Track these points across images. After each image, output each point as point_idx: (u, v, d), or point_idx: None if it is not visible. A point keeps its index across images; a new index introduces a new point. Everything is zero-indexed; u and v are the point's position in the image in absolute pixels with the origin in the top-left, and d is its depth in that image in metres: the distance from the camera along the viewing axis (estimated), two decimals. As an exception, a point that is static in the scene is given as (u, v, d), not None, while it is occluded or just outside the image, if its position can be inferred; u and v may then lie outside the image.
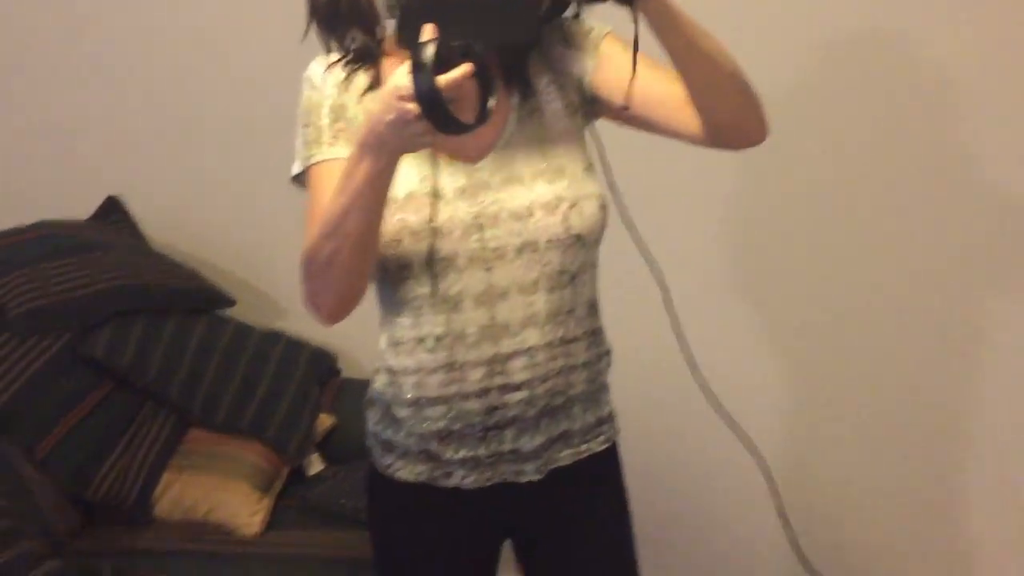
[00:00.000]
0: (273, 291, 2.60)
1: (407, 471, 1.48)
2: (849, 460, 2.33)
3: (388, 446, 1.50)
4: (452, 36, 1.20)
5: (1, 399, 2.01)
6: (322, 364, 2.49)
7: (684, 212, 2.06)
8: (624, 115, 1.42)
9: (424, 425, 1.44)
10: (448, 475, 1.47)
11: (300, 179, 1.43)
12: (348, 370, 2.56)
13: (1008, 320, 2.16)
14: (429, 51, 1.16)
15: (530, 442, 1.44)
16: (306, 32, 1.42)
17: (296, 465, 2.34)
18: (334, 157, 1.37)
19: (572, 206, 1.37)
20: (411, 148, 1.23)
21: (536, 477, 1.46)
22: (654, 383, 2.29)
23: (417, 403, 1.44)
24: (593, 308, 1.48)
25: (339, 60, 1.42)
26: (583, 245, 1.39)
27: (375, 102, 1.23)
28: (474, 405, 1.41)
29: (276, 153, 1.83)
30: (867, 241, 2.22)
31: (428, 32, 1.19)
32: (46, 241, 2.31)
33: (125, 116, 2.54)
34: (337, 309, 1.37)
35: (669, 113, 1.37)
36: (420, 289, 1.39)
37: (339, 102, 1.39)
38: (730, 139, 1.38)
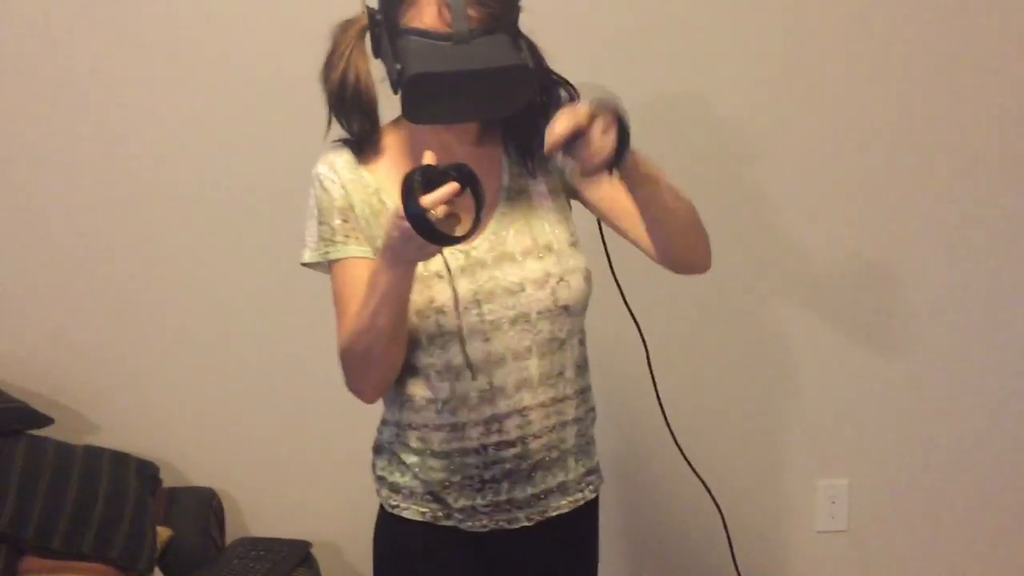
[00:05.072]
0: (81, 406, 2.52)
1: (412, 511, 1.63)
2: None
3: (395, 487, 1.65)
4: (449, 110, 1.40)
5: None
6: (147, 475, 2.43)
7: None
8: (598, 215, 1.65)
9: (428, 473, 1.59)
10: (449, 516, 1.61)
11: (310, 265, 1.60)
12: (168, 479, 2.52)
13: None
14: (416, 177, 1.34)
15: (523, 492, 1.60)
16: (329, 123, 1.56)
17: (142, 582, 2.28)
18: (348, 256, 1.54)
19: (560, 280, 1.57)
20: (421, 258, 1.41)
21: (528, 523, 1.62)
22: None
23: (422, 453, 1.59)
24: (581, 369, 1.65)
25: (344, 146, 1.56)
26: (570, 314, 1.58)
27: (387, 219, 1.39)
28: (472, 460, 1.58)
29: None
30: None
31: (427, 158, 1.37)
32: None
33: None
34: (377, 391, 1.57)
35: (633, 228, 1.60)
36: (428, 359, 1.55)
37: (347, 203, 1.55)
38: (678, 267, 1.64)
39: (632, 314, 1.60)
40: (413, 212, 1.33)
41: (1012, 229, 2.58)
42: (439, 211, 1.33)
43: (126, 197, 2.45)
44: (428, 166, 1.36)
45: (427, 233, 1.34)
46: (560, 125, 1.35)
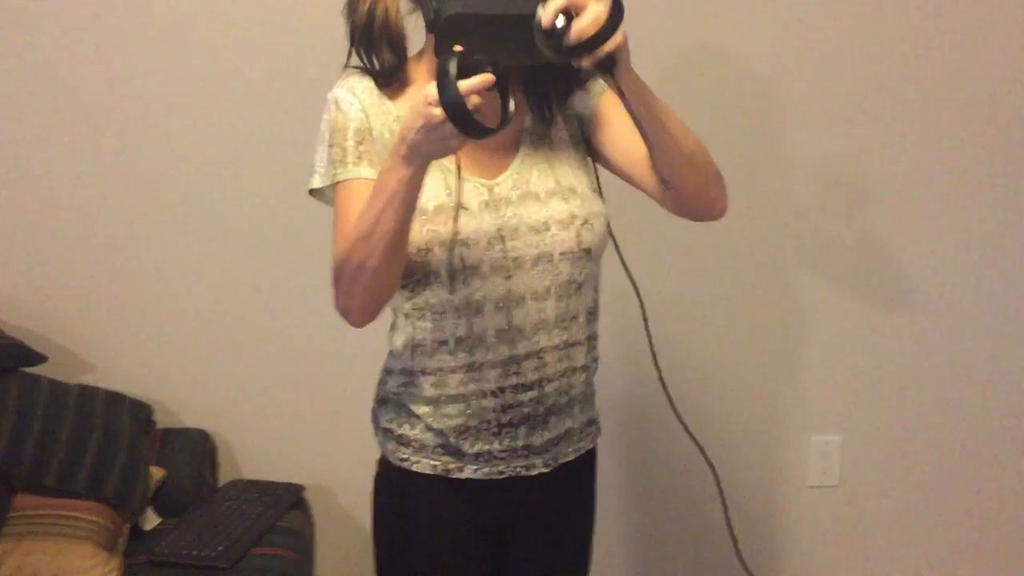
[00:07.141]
0: (76, 346, 2.51)
1: (423, 464, 1.59)
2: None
3: (403, 440, 1.61)
4: (482, 52, 1.33)
5: None
6: (141, 416, 2.43)
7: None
8: (607, 165, 1.62)
9: (443, 421, 1.56)
10: (461, 468, 1.58)
11: (317, 193, 1.55)
12: (162, 420, 2.52)
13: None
14: (453, 62, 1.29)
15: (539, 438, 1.59)
16: (348, 55, 1.53)
17: (135, 521, 2.28)
18: (358, 176, 1.49)
19: (584, 223, 1.54)
20: (440, 153, 1.35)
21: (545, 470, 1.61)
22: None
23: (436, 401, 1.56)
24: (592, 316, 1.63)
25: (366, 74, 1.53)
26: (590, 258, 1.56)
27: (408, 111, 1.34)
28: (490, 403, 1.55)
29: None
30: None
31: (457, 47, 1.32)
32: None
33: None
34: (365, 312, 1.47)
35: (643, 174, 1.56)
36: (445, 295, 1.51)
37: (365, 125, 1.51)
38: (689, 209, 1.57)
39: (627, 269, 1.58)
40: (450, 97, 1.27)
41: (1011, 201, 2.60)
42: (472, 101, 1.29)
43: (119, 140, 2.43)
44: (463, 53, 1.31)
45: (462, 120, 1.28)
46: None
